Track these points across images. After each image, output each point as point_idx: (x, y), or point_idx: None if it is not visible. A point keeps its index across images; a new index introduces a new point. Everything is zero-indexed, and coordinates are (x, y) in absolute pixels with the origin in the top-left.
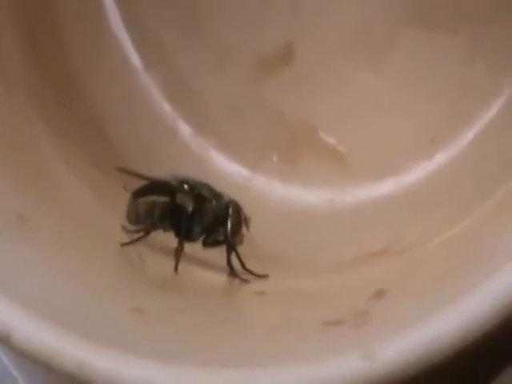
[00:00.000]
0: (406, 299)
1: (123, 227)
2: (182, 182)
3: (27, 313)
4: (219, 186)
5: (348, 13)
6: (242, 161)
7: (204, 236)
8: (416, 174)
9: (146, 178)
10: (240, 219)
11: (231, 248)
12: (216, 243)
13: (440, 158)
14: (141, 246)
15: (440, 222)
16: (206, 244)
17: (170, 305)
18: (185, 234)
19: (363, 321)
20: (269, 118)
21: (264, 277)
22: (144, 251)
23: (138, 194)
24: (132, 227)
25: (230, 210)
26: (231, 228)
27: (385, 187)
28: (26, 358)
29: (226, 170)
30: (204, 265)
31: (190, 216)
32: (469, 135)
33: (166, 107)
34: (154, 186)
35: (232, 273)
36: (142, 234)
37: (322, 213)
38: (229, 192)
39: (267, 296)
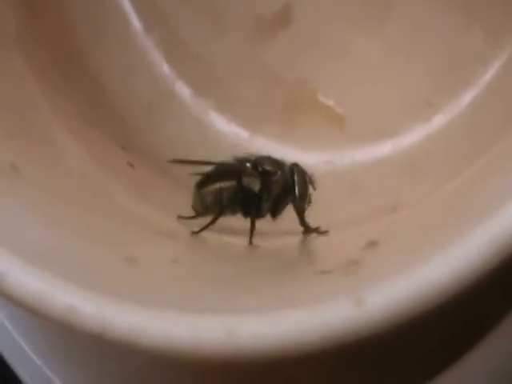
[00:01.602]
0: (396, 249)
1: (179, 217)
2: (243, 161)
3: (18, 258)
4: (218, 147)
5: None
6: (241, 122)
7: (273, 208)
8: (413, 135)
9: (204, 163)
10: (306, 182)
11: (302, 212)
12: (284, 209)
13: (437, 121)
14: (135, 198)
15: (434, 182)
16: (275, 215)
17: (162, 254)
18: (255, 213)
19: (354, 269)
20: (268, 80)
21: (325, 233)
22: (138, 202)
23: (202, 183)
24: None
25: (296, 177)
26: (299, 194)
27: (383, 149)
28: (16, 303)
29: (226, 132)
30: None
31: (259, 195)
32: (466, 98)
33: (166, 69)
34: (217, 172)
35: (308, 230)
36: (210, 220)
37: (320, 174)
38: (228, 153)
39: (261, 249)
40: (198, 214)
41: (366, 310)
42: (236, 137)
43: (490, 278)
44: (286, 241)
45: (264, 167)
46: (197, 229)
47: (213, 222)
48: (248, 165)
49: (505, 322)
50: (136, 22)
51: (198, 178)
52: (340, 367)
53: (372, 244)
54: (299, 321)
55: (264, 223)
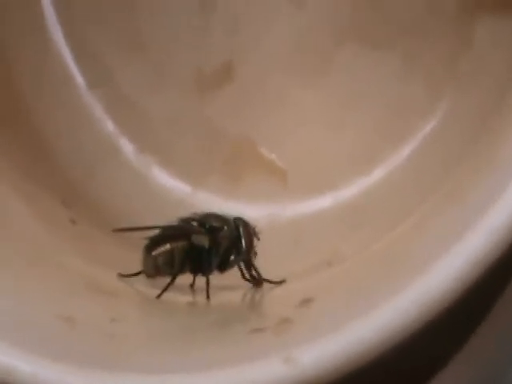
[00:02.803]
0: (329, 307)
1: (119, 275)
2: (188, 220)
3: None
4: (162, 203)
5: (286, 30)
6: (184, 177)
7: (220, 263)
8: (353, 189)
9: (150, 228)
10: (250, 234)
11: (250, 264)
12: (233, 264)
13: (377, 173)
14: (76, 256)
15: (371, 235)
16: (223, 270)
17: (101, 313)
18: (207, 269)
19: (286, 327)
20: (210, 135)
21: (281, 283)
22: (79, 260)
23: (151, 246)
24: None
25: (241, 230)
26: (246, 246)
27: (323, 202)
28: None
29: (169, 187)
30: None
31: (208, 251)
32: (406, 150)
33: (109, 125)
34: (165, 234)
35: (255, 282)
36: (169, 281)
37: (262, 228)
38: (171, 209)
39: (198, 306)
40: (149, 276)
41: (296, 368)
42: (179, 192)
43: (421, 332)
44: (225, 297)
45: (211, 224)
46: (153, 290)
47: (171, 282)
48: (194, 223)
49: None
50: (79, 78)
51: (145, 242)
52: None
53: (306, 301)
54: (228, 380)
55: (201, 280)
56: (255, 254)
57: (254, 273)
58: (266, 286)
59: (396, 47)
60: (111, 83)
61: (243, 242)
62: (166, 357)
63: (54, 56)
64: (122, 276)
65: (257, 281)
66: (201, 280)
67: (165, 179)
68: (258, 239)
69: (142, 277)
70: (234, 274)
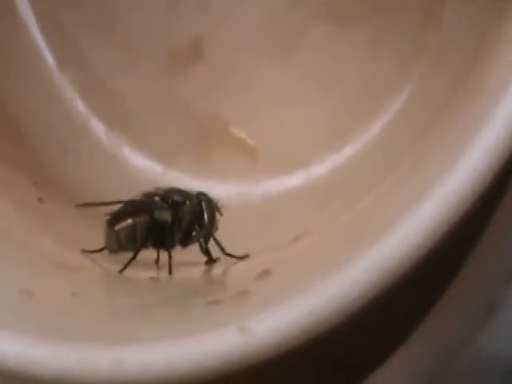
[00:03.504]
0: (287, 278)
1: (83, 251)
2: (151, 195)
3: None
4: (133, 182)
5: (256, 7)
6: (155, 157)
7: (182, 238)
8: (324, 166)
9: (113, 203)
10: (213, 209)
11: (211, 238)
12: (195, 239)
13: (348, 151)
14: (39, 233)
15: (338, 211)
16: (185, 245)
17: (61, 287)
18: (169, 244)
19: (244, 299)
20: (180, 114)
21: (245, 258)
22: (42, 237)
23: (114, 221)
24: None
25: (204, 205)
26: (208, 220)
27: (294, 180)
28: None
29: (139, 166)
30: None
31: (170, 226)
32: (376, 128)
33: (80, 105)
34: (127, 209)
35: (210, 260)
36: (132, 256)
37: (233, 206)
38: (142, 188)
39: (160, 281)
40: (112, 251)
41: (251, 338)
42: (150, 171)
43: (372, 303)
44: (187, 272)
45: (173, 198)
46: (117, 266)
47: (134, 257)
48: (157, 198)
49: (423, 325)
50: (50, 59)
51: (107, 217)
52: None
53: (265, 273)
54: (184, 350)
55: (164, 255)
56: (216, 228)
57: (210, 249)
58: (228, 260)
59: (366, 25)
60: (82, 63)
61: (205, 216)
62: (123, 329)
63: (24, 35)
64: (86, 252)
65: (211, 256)
66: (164, 255)
67: (136, 159)
68: (221, 214)
69: (105, 253)
70: (195, 250)
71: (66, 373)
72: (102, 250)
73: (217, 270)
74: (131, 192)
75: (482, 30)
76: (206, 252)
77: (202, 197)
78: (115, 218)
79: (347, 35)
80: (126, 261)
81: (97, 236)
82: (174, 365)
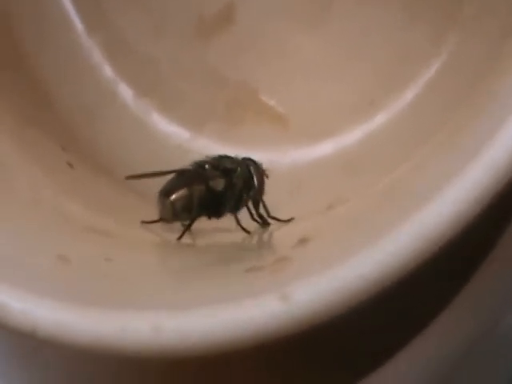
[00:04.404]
0: (325, 245)
1: (142, 222)
2: (201, 164)
3: None
4: (160, 148)
5: None
6: (183, 123)
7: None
8: (355, 134)
9: (162, 174)
10: (261, 173)
11: (261, 202)
12: (245, 204)
13: (379, 119)
14: (72, 198)
15: (372, 180)
16: (235, 211)
17: (96, 253)
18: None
19: (283, 266)
20: (209, 80)
21: (289, 221)
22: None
23: (168, 191)
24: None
25: (252, 169)
26: (258, 185)
27: (324, 148)
28: None
29: (167, 132)
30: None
31: (224, 193)
32: (408, 96)
33: (108, 70)
34: (180, 179)
35: (265, 222)
36: (188, 224)
37: None
38: (169, 154)
39: (196, 248)
40: (167, 221)
41: (291, 305)
42: (178, 137)
43: (415, 272)
44: (221, 239)
45: (225, 166)
46: (150, 234)
47: (189, 225)
48: (207, 167)
49: (433, 325)
50: (78, 24)
51: (161, 187)
52: (266, 368)
53: (303, 241)
54: (224, 317)
55: (199, 223)
56: (264, 192)
57: (261, 212)
58: (263, 229)
59: None
60: (110, 28)
61: (255, 181)
62: (160, 294)
63: (53, 1)
64: (145, 223)
65: (265, 220)
66: (199, 222)
67: (164, 125)
68: (267, 177)
69: (137, 220)
70: (230, 218)
71: (106, 339)
72: (158, 221)
73: (253, 238)
74: (158, 157)
75: None
76: (259, 216)
77: (249, 162)
78: (169, 189)
79: (379, 3)
80: (155, 229)
81: (126, 201)
82: (213, 332)
